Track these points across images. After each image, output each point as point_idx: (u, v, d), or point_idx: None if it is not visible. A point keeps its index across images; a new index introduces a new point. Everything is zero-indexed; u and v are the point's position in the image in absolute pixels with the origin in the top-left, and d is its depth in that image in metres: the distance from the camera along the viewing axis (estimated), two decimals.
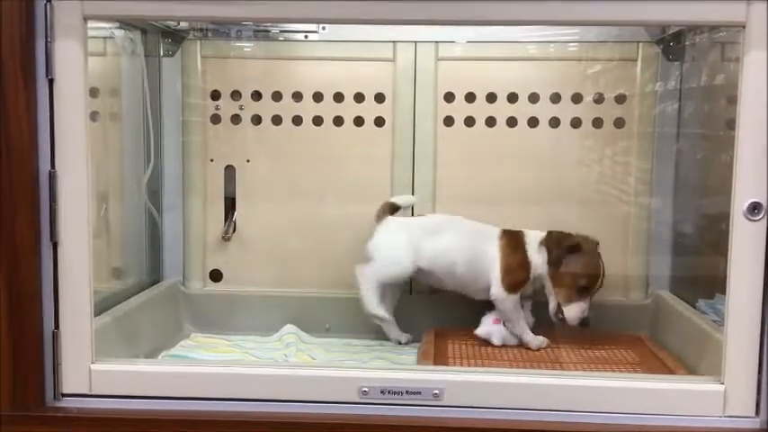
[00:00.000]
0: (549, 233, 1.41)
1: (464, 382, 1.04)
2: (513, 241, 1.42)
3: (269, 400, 1.04)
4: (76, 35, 1.00)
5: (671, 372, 1.26)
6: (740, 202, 0.99)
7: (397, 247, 1.44)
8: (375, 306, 1.40)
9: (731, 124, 1.22)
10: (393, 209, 1.49)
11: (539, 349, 1.38)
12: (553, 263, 1.38)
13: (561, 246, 1.38)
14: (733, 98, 1.04)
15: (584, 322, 1.37)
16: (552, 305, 1.39)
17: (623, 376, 1.19)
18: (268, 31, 1.55)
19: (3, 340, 1.02)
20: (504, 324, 1.40)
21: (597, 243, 1.41)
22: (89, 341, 1.05)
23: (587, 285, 1.37)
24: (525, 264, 1.40)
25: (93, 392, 1.05)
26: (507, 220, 1.49)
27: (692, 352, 1.28)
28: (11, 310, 1.02)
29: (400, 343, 1.46)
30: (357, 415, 1.02)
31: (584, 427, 1.01)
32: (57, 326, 1.03)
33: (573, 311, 1.36)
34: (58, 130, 1.00)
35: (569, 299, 1.37)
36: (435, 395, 1.03)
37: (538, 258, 1.40)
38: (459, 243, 1.43)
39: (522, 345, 1.39)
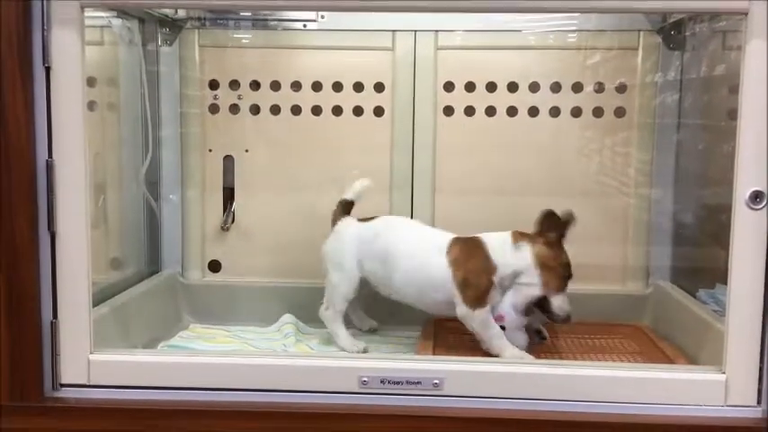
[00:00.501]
0: (548, 212, 1.26)
1: (464, 372, 1.04)
2: (466, 249, 1.28)
3: (268, 391, 1.04)
4: (73, 23, 0.99)
5: (671, 361, 1.26)
6: (742, 191, 0.99)
7: (343, 261, 1.35)
8: (350, 344, 1.34)
9: (732, 114, 1.21)
10: (348, 208, 1.41)
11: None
12: (558, 239, 1.25)
13: (558, 223, 1.25)
14: (734, 87, 1.04)
15: (567, 318, 1.26)
16: (526, 295, 1.25)
17: (624, 366, 1.19)
18: (266, 20, 1.54)
19: (1, 331, 1.01)
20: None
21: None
22: (87, 331, 1.04)
23: (569, 274, 1.26)
24: (485, 269, 1.25)
25: (91, 383, 1.05)
26: (507, 209, 1.49)
27: (692, 342, 1.28)
28: (9, 300, 1.01)
29: (362, 330, 1.46)
30: (357, 405, 1.02)
31: (585, 416, 1.00)
32: (55, 316, 1.03)
33: (560, 302, 1.25)
34: (56, 120, 1.00)
35: (559, 287, 1.25)
36: (435, 385, 1.03)
37: (509, 256, 1.25)
38: (400, 250, 1.31)
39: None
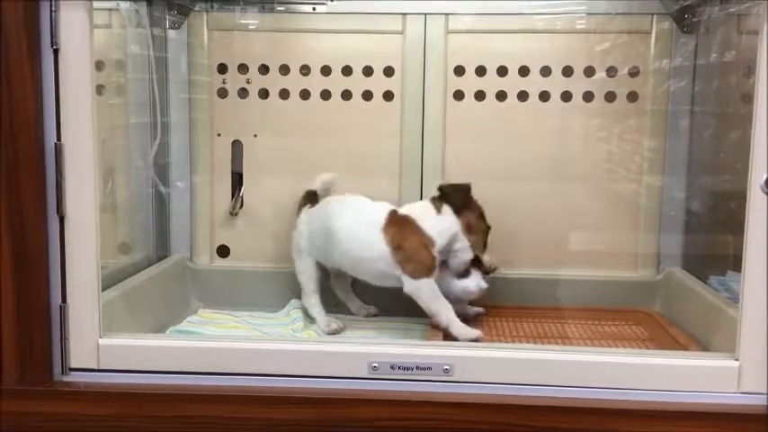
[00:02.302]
0: (440, 187, 1.34)
1: (474, 358, 1.04)
2: (400, 226, 1.31)
3: (277, 376, 1.04)
4: (82, 5, 0.98)
5: (682, 348, 1.25)
6: (757, 177, 0.97)
7: (300, 247, 1.43)
8: (324, 323, 1.40)
9: (747, 98, 1.20)
10: (312, 198, 1.46)
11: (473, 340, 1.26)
12: (460, 208, 1.31)
13: (460, 189, 1.33)
14: (750, 72, 1.02)
15: (496, 268, 1.37)
16: (462, 261, 1.33)
17: (635, 352, 1.18)
18: (275, 3, 1.53)
19: (10, 314, 1.01)
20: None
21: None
22: (96, 316, 1.04)
23: (488, 229, 1.36)
24: (423, 243, 1.29)
25: (100, 367, 1.04)
26: (517, 195, 1.48)
27: (703, 328, 1.27)
28: (18, 284, 1.01)
29: (360, 317, 1.48)
30: (367, 390, 1.02)
31: (596, 403, 1.00)
32: (64, 300, 1.03)
33: (488, 257, 1.35)
34: (64, 102, 0.99)
35: (484, 246, 1.35)
36: (446, 371, 1.02)
37: (439, 224, 1.30)
38: (338, 229, 1.36)
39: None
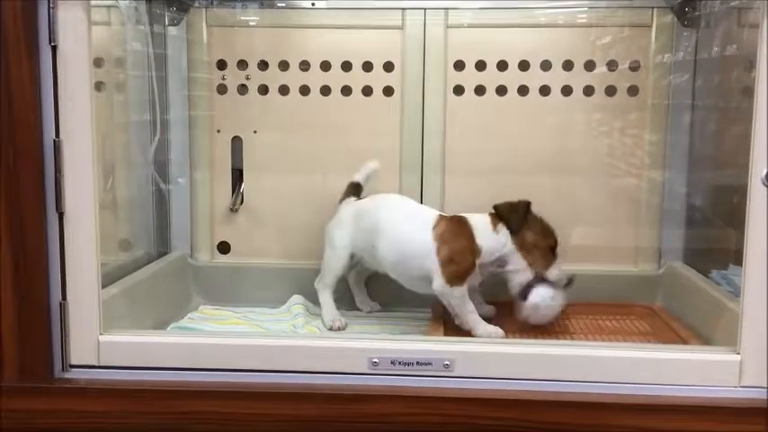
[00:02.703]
0: (496, 207, 1.30)
1: (475, 353, 1.03)
2: (453, 227, 1.30)
3: (278, 371, 1.04)
4: (80, 1, 0.98)
5: (684, 342, 1.25)
6: (758, 170, 0.97)
7: (335, 238, 1.42)
8: (329, 318, 1.39)
9: (748, 92, 1.19)
10: (355, 189, 1.46)
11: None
12: (517, 230, 1.28)
13: (516, 209, 1.29)
14: (750, 65, 1.02)
15: (570, 280, 1.29)
16: (518, 283, 1.28)
17: (637, 347, 1.18)
18: None
19: (10, 312, 1.01)
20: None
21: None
22: (97, 312, 1.04)
23: (555, 243, 1.29)
24: (471, 250, 1.27)
25: (101, 364, 1.04)
26: (518, 190, 1.47)
27: (705, 322, 1.27)
28: (18, 281, 1.01)
29: (363, 311, 1.49)
30: (367, 386, 1.02)
31: (597, 397, 1.00)
32: (64, 297, 1.03)
33: (556, 272, 1.28)
34: (63, 98, 0.99)
35: (548, 262, 1.28)
36: (446, 366, 1.02)
37: (492, 241, 1.28)
38: (388, 222, 1.35)
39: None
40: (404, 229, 1.33)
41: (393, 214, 1.36)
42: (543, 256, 1.28)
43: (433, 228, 1.30)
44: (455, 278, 1.26)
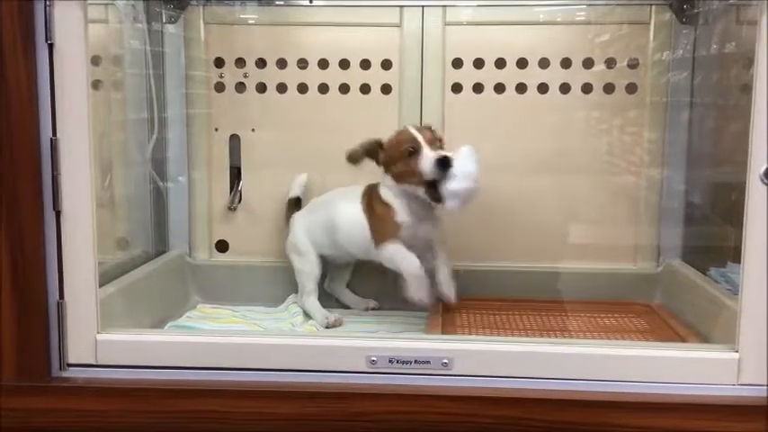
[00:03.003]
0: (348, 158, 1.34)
1: (473, 351, 1.03)
2: (367, 194, 1.37)
3: (276, 370, 1.03)
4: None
5: (682, 340, 1.25)
6: (756, 167, 0.97)
7: (299, 246, 1.46)
8: (321, 317, 1.40)
9: (746, 89, 1.19)
10: (296, 204, 1.52)
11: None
12: (362, 159, 1.34)
13: (356, 152, 1.33)
14: (749, 62, 1.02)
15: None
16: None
17: (635, 344, 1.18)
18: None
19: (8, 310, 1.01)
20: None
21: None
22: (94, 311, 1.04)
23: (410, 145, 1.28)
24: (389, 205, 1.33)
25: (98, 362, 1.04)
26: (516, 187, 1.47)
27: (703, 320, 1.27)
28: (15, 279, 1.01)
29: (361, 311, 1.49)
30: (365, 384, 1.01)
31: (596, 395, 0.99)
32: (62, 296, 1.02)
33: (432, 155, 1.26)
34: (59, 97, 0.99)
35: (416, 162, 1.28)
36: (444, 364, 1.02)
37: (389, 191, 1.33)
38: (335, 212, 1.41)
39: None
40: (345, 212, 1.39)
41: (336, 204, 1.42)
42: (410, 162, 1.28)
43: (360, 200, 1.37)
44: (386, 235, 1.31)
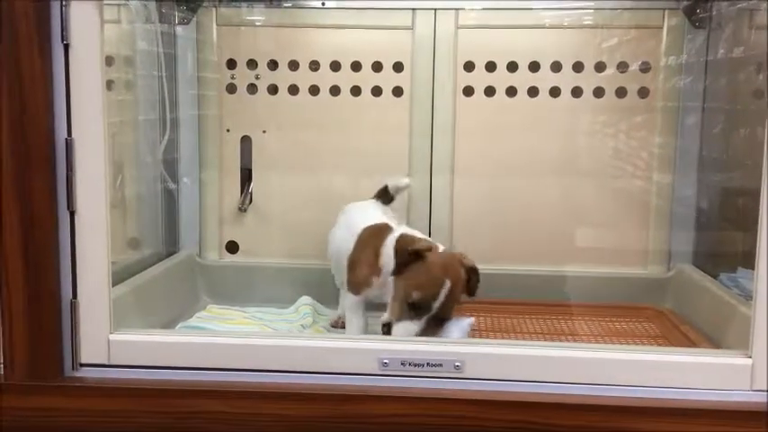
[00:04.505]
0: (402, 235, 1.20)
1: (485, 354, 1.03)
2: (370, 236, 1.25)
3: (287, 372, 1.03)
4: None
5: (693, 345, 1.24)
6: None
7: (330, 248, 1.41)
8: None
9: (758, 94, 1.19)
10: (383, 193, 1.42)
11: None
12: (394, 273, 1.16)
13: (401, 253, 1.16)
14: (761, 67, 1.01)
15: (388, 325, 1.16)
16: (384, 317, 1.17)
17: (646, 349, 1.18)
18: None
19: (21, 310, 1.01)
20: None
21: (459, 256, 1.17)
22: (107, 311, 1.04)
23: (419, 302, 1.13)
24: (369, 263, 1.21)
25: (111, 362, 1.04)
26: (527, 191, 1.47)
27: (714, 325, 1.26)
28: (29, 279, 1.01)
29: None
30: (377, 387, 1.01)
31: (607, 400, 0.99)
32: (75, 295, 1.02)
33: (402, 330, 1.13)
34: (75, 97, 0.99)
35: (399, 314, 1.15)
36: (457, 367, 1.02)
37: (390, 260, 1.18)
38: (338, 236, 1.36)
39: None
40: (347, 240, 1.30)
41: (343, 226, 1.35)
42: (400, 308, 1.15)
43: (359, 234, 1.28)
44: (350, 285, 1.25)
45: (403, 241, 1.17)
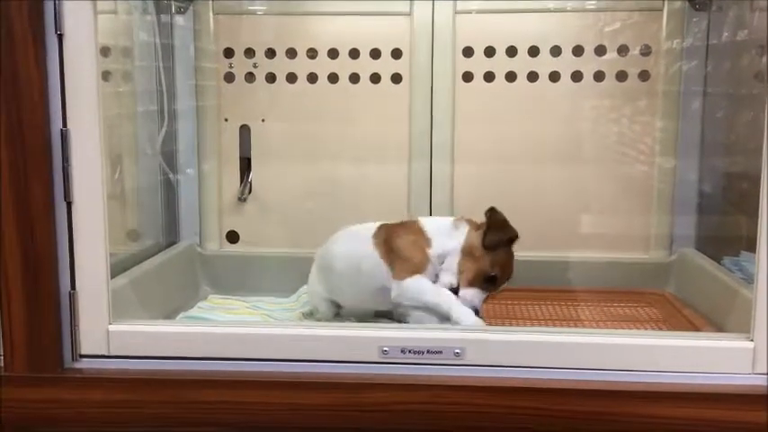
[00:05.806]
0: (492, 211, 1.20)
1: (486, 341, 1.03)
2: (396, 229, 1.24)
3: (288, 360, 1.03)
4: None
5: (696, 329, 1.24)
6: None
7: (312, 287, 1.37)
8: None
9: (760, 77, 1.18)
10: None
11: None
12: (489, 247, 1.18)
13: (504, 229, 1.19)
14: (763, 50, 1.00)
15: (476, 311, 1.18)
16: (447, 280, 1.19)
17: (649, 334, 1.17)
18: None
19: (20, 302, 1.01)
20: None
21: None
22: (106, 302, 1.04)
23: (495, 279, 1.19)
24: (419, 242, 1.20)
25: (111, 353, 1.04)
26: (528, 178, 1.47)
27: (717, 309, 1.26)
28: (27, 271, 1.01)
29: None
30: (377, 374, 1.01)
31: (609, 385, 0.99)
32: (73, 287, 1.02)
33: (470, 296, 1.18)
34: (69, 88, 0.98)
35: (472, 281, 1.18)
36: (456, 354, 1.01)
37: (445, 236, 1.20)
38: (335, 255, 1.30)
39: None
40: (350, 254, 1.27)
41: (338, 245, 1.30)
42: (476, 276, 1.19)
43: (373, 237, 1.24)
44: (408, 271, 1.19)
45: (500, 218, 1.20)
